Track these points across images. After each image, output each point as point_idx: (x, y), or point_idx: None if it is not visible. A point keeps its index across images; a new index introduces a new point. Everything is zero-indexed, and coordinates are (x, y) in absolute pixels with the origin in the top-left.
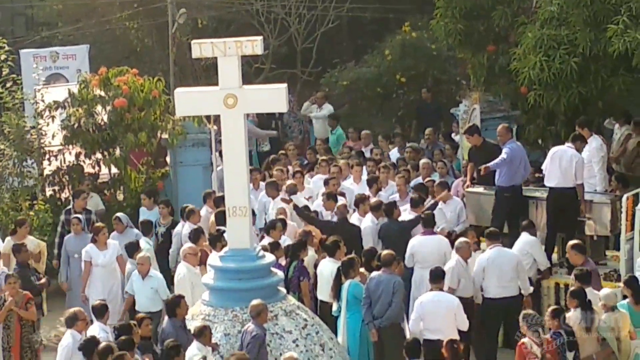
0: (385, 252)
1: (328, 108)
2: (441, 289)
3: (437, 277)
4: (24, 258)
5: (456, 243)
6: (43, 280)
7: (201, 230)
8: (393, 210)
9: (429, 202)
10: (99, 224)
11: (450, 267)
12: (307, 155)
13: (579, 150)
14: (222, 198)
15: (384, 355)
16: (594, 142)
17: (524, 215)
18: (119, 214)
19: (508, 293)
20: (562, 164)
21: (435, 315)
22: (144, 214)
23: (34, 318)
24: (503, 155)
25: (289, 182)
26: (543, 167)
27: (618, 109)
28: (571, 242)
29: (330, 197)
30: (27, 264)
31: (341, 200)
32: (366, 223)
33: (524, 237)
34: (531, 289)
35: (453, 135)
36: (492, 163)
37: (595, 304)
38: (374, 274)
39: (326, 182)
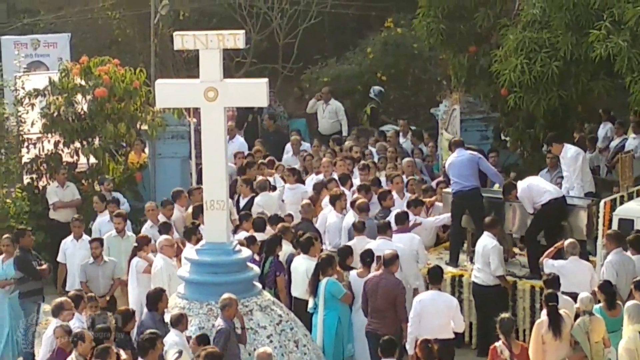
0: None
1: (336, 105)
2: (440, 289)
3: (436, 276)
4: (26, 243)
5: None
6: (44, 267)
7: (170, 224)
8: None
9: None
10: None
11: None
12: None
13: (553, 166)
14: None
15: None
16: (569, 152)
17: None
18: None
19: None
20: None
21: (433, 315)
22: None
23: None
24: None
25: (259, 177)
26: None
27: (597, 114)
28: None
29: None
30: (29, 249)
31: (306, 200)
32: (332, 219)
33: (485, 239)
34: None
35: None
36: None
37: (567, 308)
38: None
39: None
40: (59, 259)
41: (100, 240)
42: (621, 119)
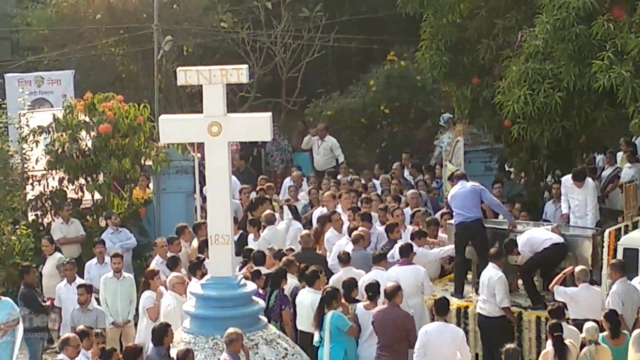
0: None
1: (332, 141)
2: (446, 320)
3: (442, 308)
4: (31, 279)
5: None
6: (48, 303)
7: (178, 257)
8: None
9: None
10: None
11: None
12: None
13: (559, 197)
14: (200, 225)
15: None
16: (589, 183)
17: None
18: None
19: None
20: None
21: (439, 346)
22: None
23: None
24: None
25: (267, 211)
26: None
27: (600, 144)
28: None
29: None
30: (34, 286)
31: (306, 231)
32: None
33: (490, 270)
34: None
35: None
36: None
37: (572, 338)
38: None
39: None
40: (55, 303)
41: (87, 287)
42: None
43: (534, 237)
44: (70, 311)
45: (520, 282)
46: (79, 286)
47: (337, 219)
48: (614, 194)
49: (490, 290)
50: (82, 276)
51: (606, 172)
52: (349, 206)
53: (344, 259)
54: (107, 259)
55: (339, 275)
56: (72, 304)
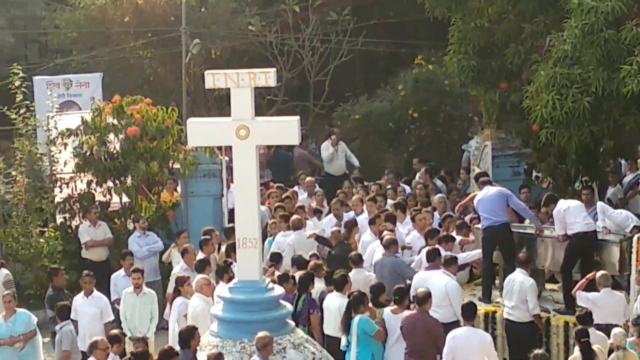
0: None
1: (343, 145)
2: (473, 325)
3: (470, 312)
4: (60, 282)
5: None
6: None
7: (207, 260)
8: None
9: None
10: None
11: None
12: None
13: (589, 203)
14: (232, 229)
15: None
16: None
17: (525, 252)
18: None
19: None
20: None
21: (466, 351)
22: None
23: None
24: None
25: (294, 216)
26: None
27: (629, 149)
28: None
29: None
30: (62, 289)
31: (335, 227)
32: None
33: (518, 275)
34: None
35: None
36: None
37: (600, 343)
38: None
39: (372, 222)
40: (71, 316)
41: (63, 308)
42: None
43: (572, 211)
44: (85, 324)
45: (548, 286)
46: (56, 305)
47: (381, 223)
48: (635, 200)
49: (521, 297)
50: (108, 286)
51: (627, 178)
52: (375, 212)
53: (356, 260)
54: None
55: (350, 275)
56: (88, 317)
